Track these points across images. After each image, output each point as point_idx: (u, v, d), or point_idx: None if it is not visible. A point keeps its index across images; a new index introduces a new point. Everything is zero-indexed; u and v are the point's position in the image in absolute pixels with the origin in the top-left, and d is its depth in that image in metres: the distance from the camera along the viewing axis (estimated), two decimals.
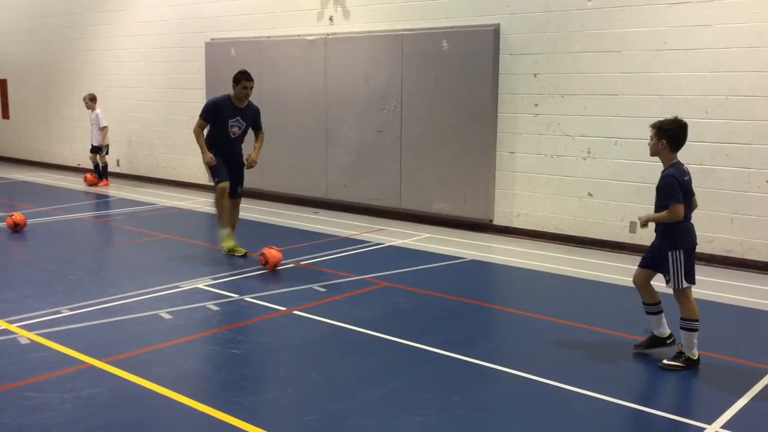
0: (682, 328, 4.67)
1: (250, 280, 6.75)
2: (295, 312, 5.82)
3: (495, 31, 8.78)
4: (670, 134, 4.67)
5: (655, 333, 4.91)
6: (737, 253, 7.34)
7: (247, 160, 7.77)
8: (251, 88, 7.60)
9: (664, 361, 4.69)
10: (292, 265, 7.32)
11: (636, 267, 4.97)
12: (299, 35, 10.73)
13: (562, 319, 5.76)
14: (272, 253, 7.13)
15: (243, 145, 7.94)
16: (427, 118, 9.56)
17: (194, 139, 7.79)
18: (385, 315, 5.84)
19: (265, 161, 11.36)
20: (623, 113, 7.97)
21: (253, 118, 7.83)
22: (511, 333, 5.70)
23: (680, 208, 4.58)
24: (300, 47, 10.70)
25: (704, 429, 3.87)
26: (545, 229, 8.70)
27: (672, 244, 4.65)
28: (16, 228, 8.70)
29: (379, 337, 5.28)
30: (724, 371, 4.71)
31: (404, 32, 9.62)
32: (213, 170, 7.70)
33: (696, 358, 4.65)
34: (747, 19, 7.12)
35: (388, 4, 9.85)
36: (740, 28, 7.18)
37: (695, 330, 4.63)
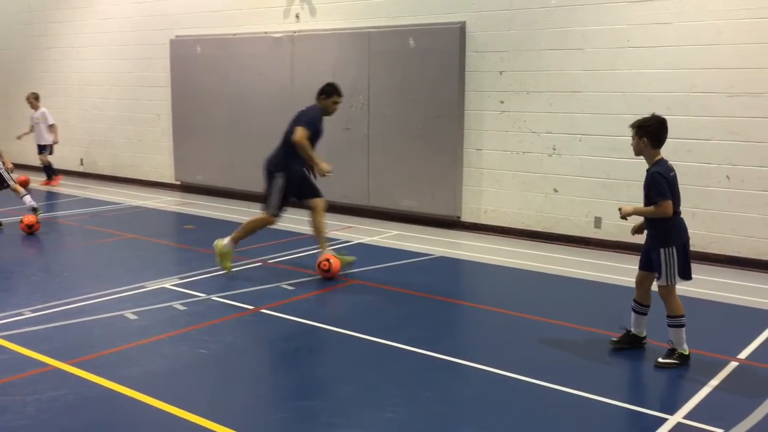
0: (670, 326, 4.71)
1: (217, 279, 6.69)
2: (264, 311, 5.79)
3: (461, 29, 8.82)
4: (649, 131, 4.72)
5: (634, 332, 4.97)
6: (699, 247, 7.47)
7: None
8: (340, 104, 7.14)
9: (659, 360, 4.70)
10: (259, 263, 7.28)
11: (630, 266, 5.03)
12: (265, 32, 10.67)
13: (530, 315, 5.81)
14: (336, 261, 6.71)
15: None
16: (394, 116, 9.57)
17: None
18: (354, 312, 5.84)
19: (232, 159, 11.32)
20: (587, 110, 8.07)
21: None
22: (480, 329, 5.74)
23: (669, 205, 4.64)
24: (266, 45, 10.64)
25: (666, 419, 3.94)
26: (512, 225, 8.77)
27: (664, 242, 4.70)
28: (30, 230, 8.53)
29: (348, 335, 5.28)
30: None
31: (371, 30, 9.62)
32: (299, 187, 7.14)
33: (687, 353, 4.70)
34: (706, 17, 7.26)
35: (354, 2, 9.84)
36: (699, 26, 7.32)
37: (683, 325, 4.69)
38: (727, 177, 7.25)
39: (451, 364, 4.75)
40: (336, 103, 7.05)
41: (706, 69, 7.31)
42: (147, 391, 4.26)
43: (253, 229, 7.11)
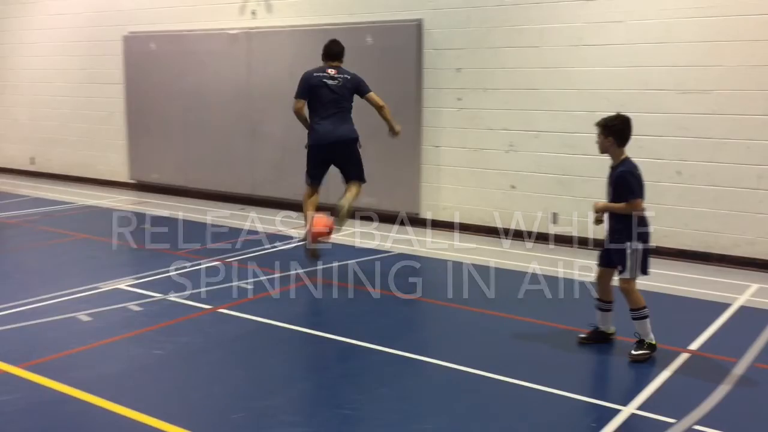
0: (635, 319, 4.79)
1: (173, 279, 6.60)
2: (221, 310, 5.73)
3: (418, 26, 8.85)
4: (615, 130, 4.77)
5: (602, 328, 5.03)
6: (652, 241, 7.63)
7: None
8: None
9: (632, 353, 4.76)
10: (217, 262, 7.20)
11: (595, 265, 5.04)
12: (221, 29, 10.55)
13: (489, 310, 5.86)
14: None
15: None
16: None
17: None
18: (313, 310, 5.82)
19: (189, 157, 11.18)
20: (543, 107, 8.17)
21: None
22: (439, 325, 5.77)
23: (640, 203, 4.72)
24: (222, 42, 10.52)
25: (620, 411, 4.02)
26: (470, 222, 8.84)
27: (629, 236, 4.76)
28: None
29: (307, 333, 5.26)
30: None
31: (328, 27, 9.57)
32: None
33: (654, 342, 4.78)
34: (655, 16, 7.41)
35: None
36: (650, 25, 7.46)
37: (647, 316, 4.77)
38: (679, 173, 7.41)
39: (410, 361, 4.77)
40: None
41: (657, 67, 7.46)
42: (101, 393, 4.18)
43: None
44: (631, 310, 4.81)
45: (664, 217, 7.51)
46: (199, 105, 10.90)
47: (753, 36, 6.96)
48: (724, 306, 5.95)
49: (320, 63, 9.88)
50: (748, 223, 7.19)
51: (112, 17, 11.81)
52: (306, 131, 7.13)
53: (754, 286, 6.55)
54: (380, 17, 9.19)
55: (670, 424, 3.84)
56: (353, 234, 8.66)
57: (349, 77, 6.95)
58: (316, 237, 6.62)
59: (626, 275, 4.78)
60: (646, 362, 4.70)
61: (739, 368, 4.63)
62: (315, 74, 6.93)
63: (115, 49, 11.72)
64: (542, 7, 8.04)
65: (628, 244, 4.76)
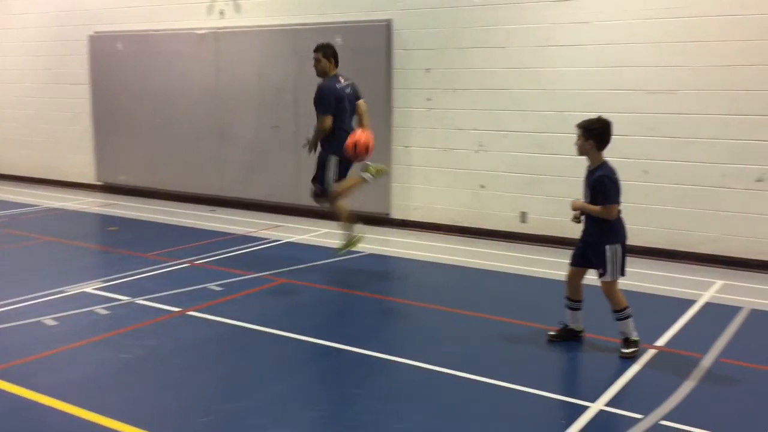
0: (618, 320, 4.83)
1: (142, 282, 6.52)
2: (190, 313, 5.68)
3: (387, 27, 8.85)
4: (596, 134, 4.78)
5: (572, 326, 5.07)
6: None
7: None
8: (315, 59, 6.88)
9: (622, 350, 4.80)
10: (186, 264, 7.13)
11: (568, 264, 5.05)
12: (189, 29, 10.45)
13: (460, 310, 5.88)
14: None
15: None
16: None
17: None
18: (283, 312, 5.79)
19: (157, 158, 11.06)
20: (512, 107, 8.23)
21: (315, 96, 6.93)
22: (410, 325, 5.78)
23: (615, 209, 4.75)
24: (190, 41, 10.42)
25: (588, 407, 4.06)
26: (441, 222, 8.86)
27: (610, 239, 4.80)
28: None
29: (277, 335, 5.23)
30: (607, 352, 4.94)
31: (297, 27, 9.55)
32: None
33: (638, 338, 4.84)
34: (621, 17, 7.50)
35: None
36: (616, 26, 7.56)
37: (630, 316, 4.82)
38: (645, 171, 7.51)
39: (381, 361, 4.77)
40: (313, 59, 6.93)
41: (623, 67, 7.55)
42: (67, 399, 4.11)
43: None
44: (614, 311, 4.85)
45: (631, 215, 7.52)
46: (167, 106, 10.79)
47: (717, 37, 7.09)
48: (690, 302, 6.04)
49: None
50: (713, 220, 7.31)
51: (78, 17, 11.63)
52: (316, 139, 7.02)
53: (719, 283, 6.66)
54: (350, 17, 9.18)
55: (638, 420, 3.88)
56: (324, 234, 8.64)
57: (352, 83, 7.00)
58: (364, 147, 6.52)
59: (608, 278, 4.81)
60: (635, 358, 4.75)
61: (705, 363, 4.70)
62: (337, 86, 6.85)
63: (80, 49, 11.55)
64: (510, 8, 8.09)
65: (608, 246, 4.79)
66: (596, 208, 4.78)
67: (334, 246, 8.06)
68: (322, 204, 7.09)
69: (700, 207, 7.36)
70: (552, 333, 5.11)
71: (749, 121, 7.03)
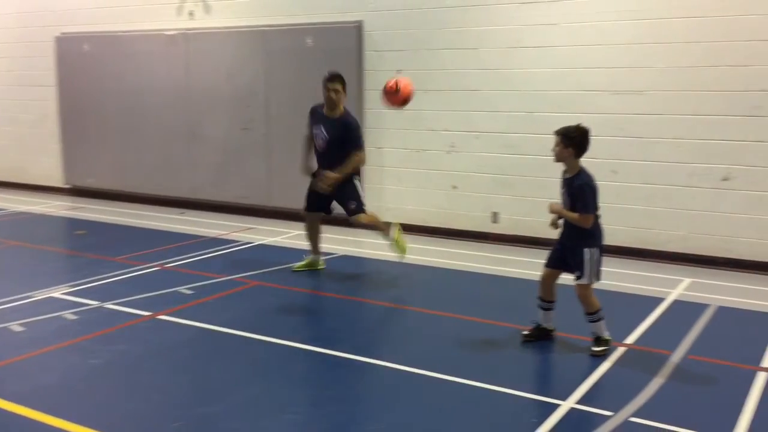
0: (591, 322, 4.88)
1: (111, 286, 6.44)
2: (161, 317, 5.62)
3: (358, 28, 8.85)
4: (576, 142, 4.80)
5: (545, 325, 5.10)
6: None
7: (326, 175, 6.51)
8: (336, 91, 6.43)
9: (593, 349, 4.85)
10: (156, 268, 7.06)
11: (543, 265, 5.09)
12: (158, 30, 10.34)
13: (432, 310, 5.90)
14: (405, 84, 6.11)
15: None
16: (294, 115, 9.46)
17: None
18: (255, 315, 5.75)
19: (126, 161, 10.92)
20: (484, 108, 8.27)
21: (341, 132, 6.47)
22: (384, 326, 5.78)
23: (590, 219, 4.79)
24: (159, 43, 10.31)
25: (559, 405, 4.09)
26: (413, 222, 8.87)
27: (589, 242, 4.83)
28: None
29: (249, 338, 5.19)
30: (578, 350, 4.99)
31: (267, 28, 9.50)
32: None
33: (609, 337, 4.90)
34: (590, 18, 7.58)
35: (249, 0, 9.69)
36: (583, 27, 7.64)
37: (603, 318, 4.86)
38: (614, 171, 7.60)
39: (355, 363, 4.76)
40: (328, 89, 6.49)
41: (591, 68, 7.63)
42: (35, 406, 4.04)
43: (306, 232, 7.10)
44: (588, 314, 4.89)
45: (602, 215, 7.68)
46: (136, 107, 10.67)
47: (682, 38, 7.20)
48: (659, 300, 6.13)
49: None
50: (681, 219, 7.42)
51: (44, 18, 11.45)
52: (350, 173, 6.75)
53: (687, 281, 6.77)
54: (320, 19, 9.16)
55: (608, 417, 3.93)
56: (296, 236, 8.60)
57: None
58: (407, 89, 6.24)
59: (584, 281, 4.85)
60: (605, 356, 4.81)
61: (674, 360, 4.77)
62: None
63: (47, 51, 11.37)
64: (480, 9, 8.14)
65: (587, 250, 4.83)
66: (574, 215, 4.81)
67: (303, 247, 8.06)
68: (359, 221, 6.82)
69: (668, 206, 7.47)
70: (526, 333, 5.13)
71: (715, 121, 7.15)
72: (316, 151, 6.67)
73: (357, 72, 8.91)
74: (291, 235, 8.66)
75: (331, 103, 6.50)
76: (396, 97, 6.26)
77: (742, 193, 7.13)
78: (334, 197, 6.73)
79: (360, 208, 6.69)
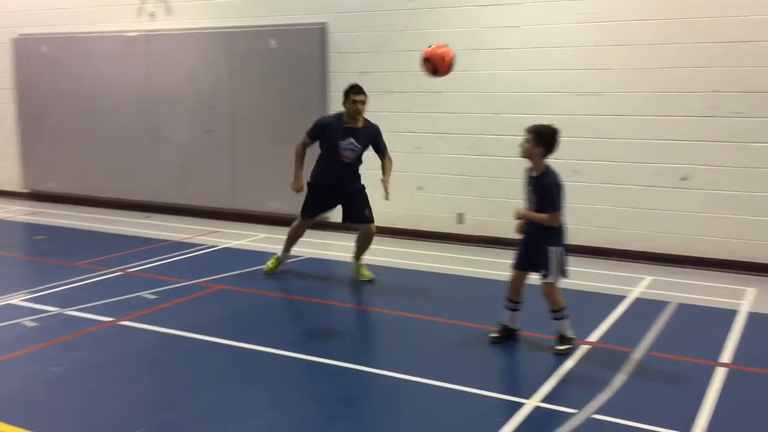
0: (555, 319, 4.92)
1: (72, 292, 6.32)
2: (123, 322, 5.53)
3: (321, 30, 8.83)
4: (547, 141, 4.84)
5: (511, 326, 5.13)
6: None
7: (385, 186, 6.50)
8: (363, 102, 6.41)
9: (557, 347, 4.89)
10: (119, 273, 6.95)
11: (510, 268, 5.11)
12: (118, 31, 10.19)
13: (399, 312, 5.90)
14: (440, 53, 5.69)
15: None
16: (258, 117, 9.44)
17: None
18: (220, 319, 5.70)
19: (87, 164, 10.74)
20: (448, 110, 8.31)
21: (371, 140, 6.59)
22: (349, 328, 5.77)
23: (559, 217, 4.82)
24: (119, 44, 10.17)
25: (525, 404, 4.13)
26: (379, 224, 8.76)
27: (553, 241, 4.87)
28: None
29: (214, 342, 5.14)
30: (543, 349, 5.03)
31: (230, 30, 9.43)
32: (304, 201, 6.79)
33: (573, 336, 4.94)
34: (550, 21, 7.67)
35: (212, 1, 9.61)
36: (544, 29, 7.73)
37: (567, 316, 4.91)
38: (576, 171, 7.69)
39: (320, 365, 4.74)
40: (355, 102, 6.39)
41: (553, 70, 7.73)
42: None
43: (293, 232, 6.99)
44: (553, 311, 4.94)
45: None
46: (97, 110, 10.50)
47: (642, 41, 7.32)
48: (621, 298, 6.22)
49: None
50: (642, 218, 7.54)
51: (0, 19, 11.21)
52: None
53: (649, 279, 6.88)
54: (284, 20, 9.11)
55: (572, 415, 3.97)
56: (262, 239, 8.55)
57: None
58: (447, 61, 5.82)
59: (550, 279, 4.89)
60: (569, 354, 4.85)
61: (636, 357, 4.85)
62: None
63: (3, 53, 11.14)
64: (442, 11, 8.19)
65: (552, 248, 4.87)
66: (542, 216, 4.84)
67: (269, 250, 7.99)
68: (371, 230, 6.80)
69: (630, 206, 7.59)
70: (494, 335, 5.15)
71: (674, 122, 7.29)
72: (337, 163, 6.54)
73: (321, 74, 8.89)
74: (256, 238, 8.60)
75: (359, 115, 6.46)
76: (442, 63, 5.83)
77: (701, 192, 7.27)
78: (346, 204, 6.72)
79: (372, 216, 6.73)
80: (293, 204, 9.29)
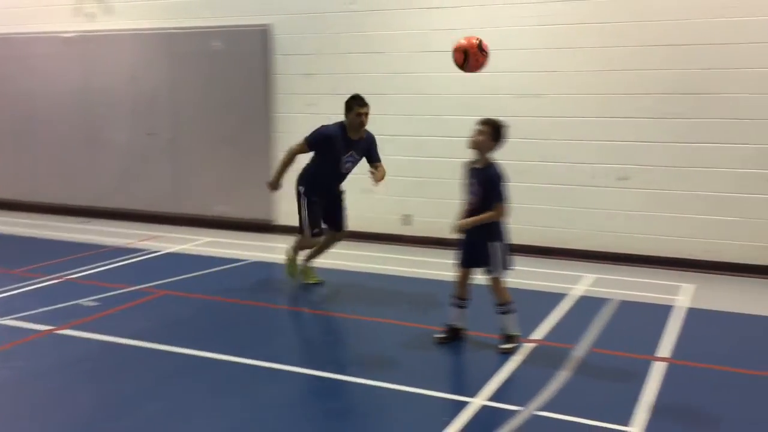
0: (502, 313, 4.97)
1: (8, 300, 6.11)
2: (62, 331, 5.37)
3: (265, 32, 8.76)
4: (501, 136, 4.91)
5: (459, 325, 5.16)
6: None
7: (373, 178, 6.18)
8: (367, 114, 6.16)
9: (502, 346, 4.94)
10: (58, 280, 6.75)
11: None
12: (54, 32, 9.91)
13: (344, 314, 5.89)
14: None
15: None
16: (202, 120, 9.31)
17: None
18: (163, 325, 5.59)
19: (22, 168, 10.41)
20: (394, 112, 8.33)
21: (366, 149, 6.34)
22: (296, 331, 5.73)
23: (505, 208, 4.87)
24: (55, 45, 9.89)
25: (470, 403, 4.16)
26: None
27: (495, 237, 4.91)
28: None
29: (157, 349, 5.03)
30: (488, 348, 5.08)
31: (172, 31, 9.28)
32: (309, 218, 6.34)
33: (518, 333, 5.00)
34: (490, 24, 7.76)
35: (153, 1, 9.43)
36: (487, 33, 7.77)
37: (514, 311, 4.97)
38: (519, 172, 7.80)
39: (264, 370, 4.69)
40: (360, 114, 6.12)
41: (496, 73, 7.78)
42: None
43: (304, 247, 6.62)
44: (499, 305, 5.00)
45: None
46: (32, 112, 10.20)
47: (581, 44, 7.48)
48: (564, 296, 6.34)
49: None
50: (584, 218, 7.71)
51: None
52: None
53: (591, 277, 7.03)
54: (228, 22, 9.01)
55: (516, 412, 4.02)
56: (207, 244, 8.43)
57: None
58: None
59: (495, 274, 4.95)
60: (514, 352, 4.91)
61: (578, 354, 4.94)
62: None
63: None
64: (386, 14, 8.22)
65: (495, 244, 4.92)
66: (488, 215, 4.86)
67: (215, 254, 7.89)
68: (344, 237, 6.72)
69: (572, 205, 7.74)
70: (441, 335, 5.17)
71: (613, 123, 7.47)
72: (334, 174, 6.37)
73: (266, 75, 8.83)
74: (201, 243, 8.47)
75: (363, 127, 6.26)
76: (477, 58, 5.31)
77: (640, 191, 7.47)
78: (329, 209, 6.52)
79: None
80: (238, 207, 9.24)
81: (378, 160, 6.45)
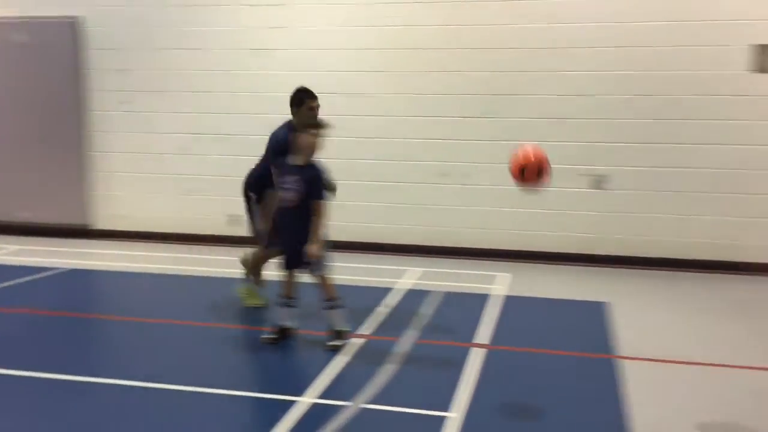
0: (331, 309, 4.96)
1: None
2: None
3: (74, 24, 8.21)
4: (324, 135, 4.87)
5: (287, 325, 5.09)
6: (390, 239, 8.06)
7: None
8: (319, 106, 5.44)
9: (331, 343, 4.91)
10: None
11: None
12: None
13: (164, 319, 5.65)
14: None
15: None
16: (5, 118, 8.56)
17: None
18: None
19: None
20: (217, 110, 8.15)
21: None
22: (113, 341, 5.39)
23: (327, 205, 4.83)
24: None
25: (300, 401, 4.12)
26: (149, 230, 8.46)
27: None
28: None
29: None
30: (316, 346, 5.07)
31: None
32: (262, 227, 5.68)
33: (346, 329, 4.99)
34: (313, 24, 7.83)
35: None
36: (311, 32, 7.85)
37: (342, 306, 4.97)
38: (344, 170, 7.88)
39: (81, 385, 4.37)
40: (312, 108, 5.40)
41: (319, 72, 7.85)
42: None
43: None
44: (327, 300, 5.00)
45: (337, 212, 7.94)
46: None
47: (406, 45, 7.71)
48: (392, 290, 6.48)
49: None
50: (412, 213, 7.98)
51: None
52: None
53: (419, 270, 7.26)
54: (35, 12, 8.36)
55: (344, 407, 4.04)
56: (14, 252, 7.75)
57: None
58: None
59: (319, 272, 4.97)
60: (342, 348, 4.92)
61: (404, 346, 5.06)
62: None
63: None
64: (202, 9, 8.03)
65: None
66: (322, 224, 4.86)
67: (24, 263, 7.32)
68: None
69: (400, 201, 7.98)
70: (270, 336, 5.10)
71: (435, 121, 7.78)
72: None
73: (77, 70, 8.28)
74: (7, 251, 7.79)
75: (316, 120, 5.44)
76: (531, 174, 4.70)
77: (458, 186, 7.82)
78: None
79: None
80: (50, 212, 8.58)
81: None
